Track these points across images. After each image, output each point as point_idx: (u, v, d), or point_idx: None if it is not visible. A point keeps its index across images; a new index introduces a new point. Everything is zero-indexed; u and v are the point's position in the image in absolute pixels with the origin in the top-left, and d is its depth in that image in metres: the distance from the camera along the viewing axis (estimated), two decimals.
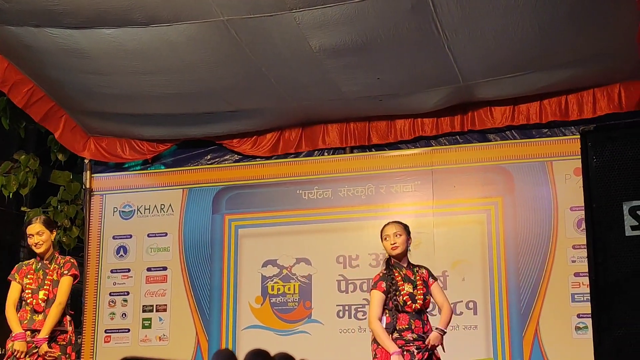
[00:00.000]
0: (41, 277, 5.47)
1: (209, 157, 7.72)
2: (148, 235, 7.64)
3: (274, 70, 6.38)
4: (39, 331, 5.36)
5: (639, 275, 2.82)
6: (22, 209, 8.50)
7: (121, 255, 7.69)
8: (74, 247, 8.51)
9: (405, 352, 5.07)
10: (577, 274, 6.47)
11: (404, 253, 5.30)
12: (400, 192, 7.10)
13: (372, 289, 5.31)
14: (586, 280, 6.28)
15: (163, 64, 6.28)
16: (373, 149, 7.30)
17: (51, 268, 5.50)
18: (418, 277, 5.25)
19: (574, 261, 6.52)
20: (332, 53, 6.01)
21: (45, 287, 5.43)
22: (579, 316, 6.42)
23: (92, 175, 7.91)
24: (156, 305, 7.46)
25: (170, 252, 7.54)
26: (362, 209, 7.15)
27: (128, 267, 7.63)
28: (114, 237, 7.73)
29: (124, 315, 7.44)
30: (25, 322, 5.40)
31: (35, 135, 10.53)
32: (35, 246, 5.46)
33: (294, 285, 7.21)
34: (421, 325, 5.18)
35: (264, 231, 7.38)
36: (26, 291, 5.44)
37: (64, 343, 5.50)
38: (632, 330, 2.80)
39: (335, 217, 7.22)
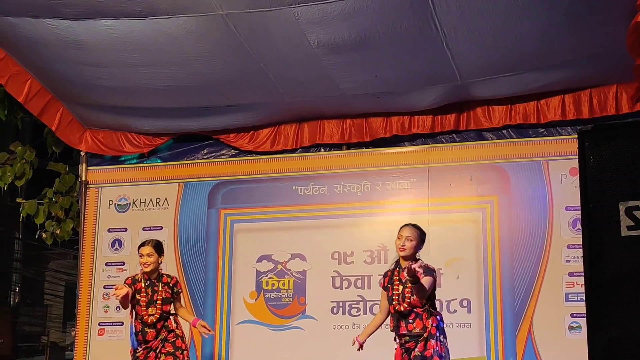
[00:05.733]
0: (150, 293, 6.02)
1: (205, 151, 7.72)
2: (143, 229, 7.63)
3: (272, 66, 6.38)
4: (151, 341, 5.97)
5: (634, 275, 2.83)
6: (18, 200, 8.50)
7: (116, 248, 7.69)
8: (68, 239, 8.52)
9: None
10: (571, 274, 6.49)
11: (410, 257, 5.36)
12: (396, 189, 7.10)
13: None
14: (580, 280, 6.32)
15: (161, 56, 6.28)
16: (369, 146, 7.30)
17: (160, 287, 6.04)
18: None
19: (568, 261, 6.54)
20: (331, 49, 6.01)
21: (156, 304, 6.00)
22: (572, 316, 6.44)
23: (88, 167, 7.91)
24: None
25: (165, 246, 7.51)
26: (358, 205, 7.15)
27: (123, 260, 7.63)
28: (109, 230, 7.73)
29: (117, 309, 7.42)
30: (140, 333, 6.00)
31: (31, 126, 10.53)
32: (143, 265, 6.06)
33: (289, 280, 7.21)
34: (404, 325, 5.26)
35: (259, 226, 7.38)
36: (141, 306, 6.00)
37: (174, 340, 6.02)
38: (627, 330, 2.81)
39: (330, 214, 7.22)
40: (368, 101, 6.88)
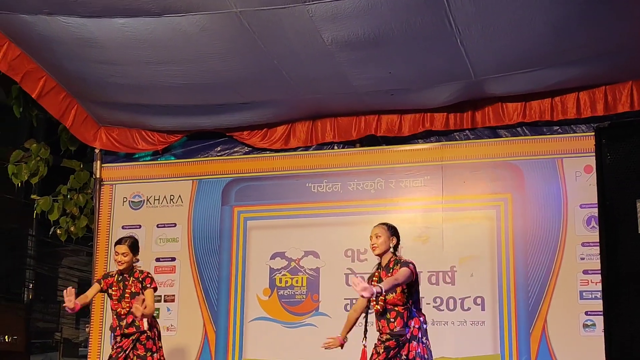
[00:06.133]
0: (121, 288, 6.05)
1: (219, 148, 7.73)
2: (157, 226, 7.67)
3: (286, 63, 6.38)
4: (128, 335, 5.97)
5: None
6: (32, 197, 8.54)
7: None
8: (82, 236, 8.55)
9: (374, 352, 5.28)
10: (585, 272, 6.47)
11: (383, 253, 5.35)
12: (410, 186, 7.09)
13: None
14: (595, 277, 6.30)
15: (175, 54, 6.29)
16: (383, 144, 7.29)
17: (130, 281, 6.04)
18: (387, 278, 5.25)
19: (582, 258, 6.51)
20: (345, 46, 6.00)
21: (125, 298, 6.00)
22: (587, 313, 6.42)
23: (102, 165, 7.94)
24: (164, 295, 7.47)
25: (179, 243, 7.57)
26: (371, 203, 7.15)
27: (136, 258, 7.63)
28: (123, 227, 7.75)
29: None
30: (117, 328, 6.03)
31: (45, 123, 10.56)
32: (117, 263, 6.08)
33: (302, 278, 7.22)
34: (386, 324, 5.26)
35: (272, 223, 7.39)
36: (113, 300, 6.07)
37: (145, 342, 6.01)
38: None
39: (344, 211, 7.22)
40: (382, 98, 6.87)
